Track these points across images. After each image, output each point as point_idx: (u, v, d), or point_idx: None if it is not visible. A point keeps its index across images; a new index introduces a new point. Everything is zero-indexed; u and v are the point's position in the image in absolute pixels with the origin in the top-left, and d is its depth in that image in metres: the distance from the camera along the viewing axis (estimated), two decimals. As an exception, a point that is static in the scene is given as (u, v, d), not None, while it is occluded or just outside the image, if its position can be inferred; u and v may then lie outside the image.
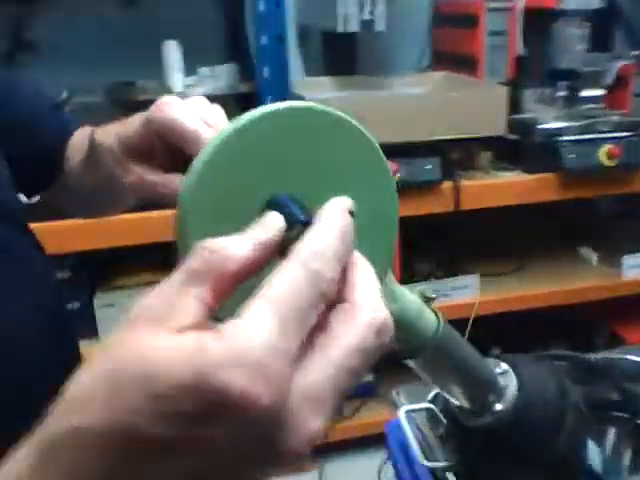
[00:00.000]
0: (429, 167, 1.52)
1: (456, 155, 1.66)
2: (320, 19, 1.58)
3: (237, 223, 0.35)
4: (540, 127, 1.68)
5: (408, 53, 1.82)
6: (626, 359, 0.76)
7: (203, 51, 1.55)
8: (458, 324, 0.56)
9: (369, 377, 1.82)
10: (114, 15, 1.63)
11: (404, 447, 0.74)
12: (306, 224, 0.34)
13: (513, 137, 1.68)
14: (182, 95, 0.52)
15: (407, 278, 1.65)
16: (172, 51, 1.44)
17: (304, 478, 0.86)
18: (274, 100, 1.66)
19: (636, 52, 1.84)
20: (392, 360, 0.47)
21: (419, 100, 1.52)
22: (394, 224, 0.46)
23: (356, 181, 0.42)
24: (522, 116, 1.73)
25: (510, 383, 0.57)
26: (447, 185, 1.58)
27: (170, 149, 0.51)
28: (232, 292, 0.30)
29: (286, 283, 0.29)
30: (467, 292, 1.71)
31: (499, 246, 1.95)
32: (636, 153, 1.71)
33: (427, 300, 0.53)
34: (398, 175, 1.49)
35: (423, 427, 0.72)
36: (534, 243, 1.99)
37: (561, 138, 1.67)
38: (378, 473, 1.00)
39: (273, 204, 0.37)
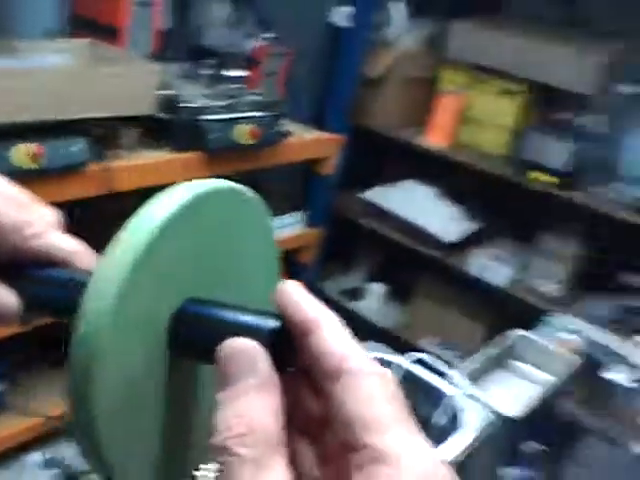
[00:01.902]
0: (75, 149, 1.38)
1: (99, 133, 1.53)
2: None
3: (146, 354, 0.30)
4: (184, 105, 1.66)
5: (39, 14, 1.59)
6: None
7: None
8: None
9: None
10: None
11: None
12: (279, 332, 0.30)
13: (159, 115, 1.62)
14: None
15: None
16: None
17: None
18: None
19: (267, 34, 1.92)
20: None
21: (62, 74, 1.35)
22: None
23: (257, 266, 0.36)
24: (167, 92, 1.67)
25: None
26: (95, 167, 1.46)
27: None
28: None
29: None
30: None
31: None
32: (271, 132, 1.81)
33: None
34: (42, 160, 1.33)
35: None
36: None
37: (205, 117, 1.67)
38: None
39: (187, 317, 0.31)
